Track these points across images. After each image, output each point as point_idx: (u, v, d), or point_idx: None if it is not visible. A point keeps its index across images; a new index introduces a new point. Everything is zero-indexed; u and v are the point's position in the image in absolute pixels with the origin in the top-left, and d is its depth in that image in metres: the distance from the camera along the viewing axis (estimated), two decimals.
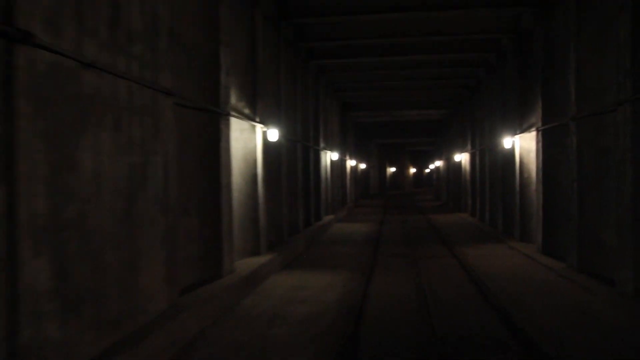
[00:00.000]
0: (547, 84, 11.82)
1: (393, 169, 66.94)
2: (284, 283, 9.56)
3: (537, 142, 12.30)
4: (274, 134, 11.37)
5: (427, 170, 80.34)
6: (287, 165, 13.98)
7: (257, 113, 10.95)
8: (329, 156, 21.92)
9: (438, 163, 38.82)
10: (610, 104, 8.12)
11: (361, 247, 14.38)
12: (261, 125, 10.93)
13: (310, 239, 15.33)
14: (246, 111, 10.54)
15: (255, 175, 10.76)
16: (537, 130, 12.24)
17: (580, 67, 9.69)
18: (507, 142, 14.79)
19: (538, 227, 12.17)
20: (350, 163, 32.42)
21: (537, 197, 12.31)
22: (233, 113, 9.25)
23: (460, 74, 21.02)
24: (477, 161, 20.88)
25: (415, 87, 23.54)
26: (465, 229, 18.67)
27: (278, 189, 12.92)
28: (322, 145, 19.80)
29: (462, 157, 25.26)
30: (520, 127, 14.26)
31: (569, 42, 9.97)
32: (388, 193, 57.62)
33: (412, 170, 73.49)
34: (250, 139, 10.68)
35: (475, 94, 21.52)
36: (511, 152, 15.21)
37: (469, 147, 23.11)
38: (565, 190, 10.67)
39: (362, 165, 42.48)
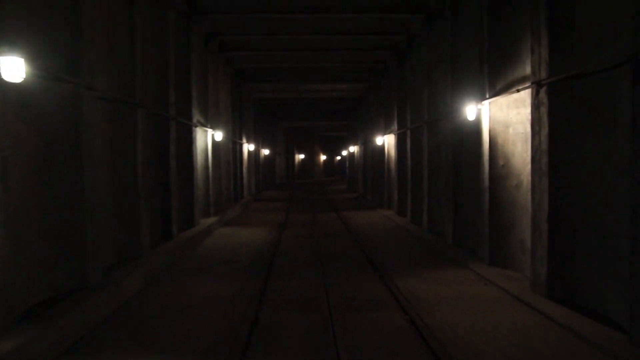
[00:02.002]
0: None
1: (302, 156, 61.69)
2: None
3: (536, 107, 7.16)
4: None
5: (339, 158, 76.17)
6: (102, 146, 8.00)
7: None
8: (211, 136, 15.94)
9: (353, 149, 33.82)
10: None
11: (240, 283, 8.65)
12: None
13: (162, 265, 9.39)
14: None
15: None
16: (537, 86, 7.09)
17: None
18: (470, 111, 9.64)
19: (539, 251, 7.07)
20: (249, 147, 26.51)
21: (536, 199, 7.20)
22: None
23: (386, 28, 15.79)
24: (409, 144, 15.81)
25: (328, 54, 18.10)
26: (398, 238, 13.48)
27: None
28: (195, 119, 13.78)
29: (386, 140, 20.22)
30: (492, 89, 9.16)
31: None
32: (296, 182, 52.27)
33: (323, 157, 68.79)
34: None
35: (406, 56, 16.39)
36: (473, 128, 10.11)
37: (395, 126, 18.04)
38: (602, 189, 5.59)
39: (267, 151, 36.66)
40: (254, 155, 29.70)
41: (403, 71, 16.92)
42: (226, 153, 19.67)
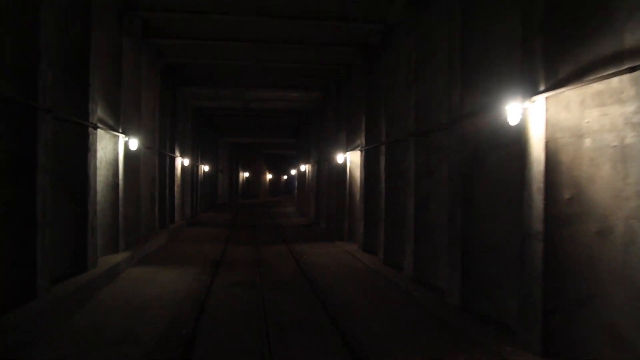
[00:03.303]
0: None
1: (247, 174, 57.60)
2: None
3: None
4: None
5: (286, 177, 72.57)
6: None
7: None
8: (123, 144, 11.92)
9: (304, 168, 30.21)
10: None
11: None
12: None
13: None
14: None
15: None
16: None
17: None
18: (510, 112, 6.20)
19: None
20: (183, 162, 22.44)
21: None
22: None
23: (357, 13, 12.43)
24: (383, 163, 12.36)
25: (279, 48, 14.55)
26: (373, 291, 9.86)
27: None
28: (95, 117, 9.77)
29: (349, 158, 16.75)
30: (550, 76, 5.81)
31: None
32: (240, 202, 48.11)
33: (269, 176, 64.97)
34: None
35: (380, 53, 13.03)
36: (502, 140, 6.73)
37: (362, 141, 14.61)
38: None
39: (207, 168, 32.54)
40: (190, 171, 25.60)
41: (375, 72, 13.55)
42: (150, 168, 15.61)
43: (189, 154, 24.26)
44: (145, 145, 14.43)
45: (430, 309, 8.12)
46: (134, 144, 12.05)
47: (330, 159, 20.09)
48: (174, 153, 20.07)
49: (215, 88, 20.87)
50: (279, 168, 67.61)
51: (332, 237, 17.99)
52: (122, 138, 11.76)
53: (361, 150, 14.67)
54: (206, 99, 23.68)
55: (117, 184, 11.56)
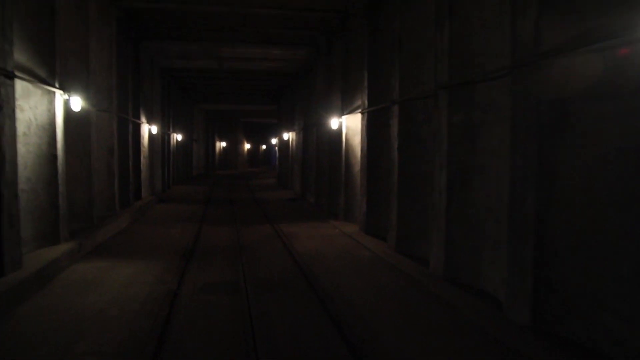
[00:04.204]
0: None
1: (224, 144, 54.66)
2: None
3: None
4: None
5: (264, 147, 69.86)
6: None
7: None
8: (62, 103, 9.16)
9: (287, 136, 27.50)
10: None
11: None
12: None
13: None
14: None
15: None
16: None
17: None
18: None
19: None
20: (151, 129, 19.66)
21: None
22: None
23: None
24: (396, 126, 9.85)
25: None
26: (404, 302, 7.46)
27: None
28: (10, 59, 7.01)
29: (344, 123, 14.21)
30: None
31: None
32: (217, 174, 45.39)
33: (247, 146, 62.21)
34: None
35: None
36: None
37: (363, 101, 12.10)
38: None
39: (180, 137, 29.70)
40: (160, 140, 22.82)
41: (382, 13, 10.95)
42: (106, 135, 12.90)
43: (158, 121, 21.45)
44: (98, 108, 11.69)
45: (485, 327, 5.78)
46: (76, 103, 9.33)
47: (320, 125, 17.53)
48: (139, 119, 17.28)
49: (184, 44, 17.96)
50: (258, 137, 64.80)
51: (325, 215, 15.57)
52: (59, 95, 9.02)
53: (362, 113, 12.15)
54: (176, 56, 20.73)
55: (55, 156, 8.88)
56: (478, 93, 7.02)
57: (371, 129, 11.82)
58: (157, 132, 21.04)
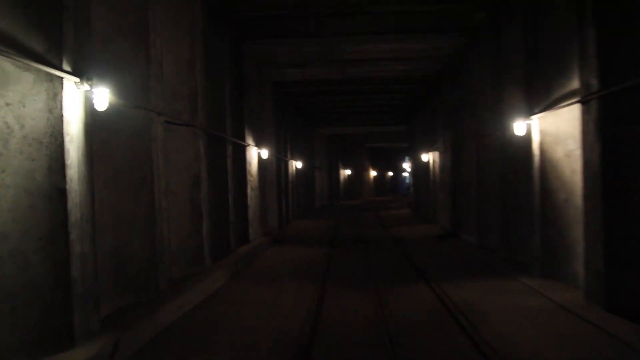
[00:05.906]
0: None
1: (348, 172, 50.75)
2: None
3: None
4: None
5: (391, 174, 65.15)
6: None
7: None
8: (81, 98, 5.27)
9: (426, 157, 22.49)
10: None
11: None
12: None
13: None
14: None
15: None
16: None
17: None
18: None
19: None
20: (260, 153, 15.93)
21: None
22: None
23: None
24: None
25: None
26: None
27: None
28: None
29: (535, 127, 9.13)
30: None
31: None
32: (342, 204, 41.37)
33: (373, 173, 57.94)
34: None
35: None
36: None
37: (594, 81, 7.00)
38: None
39: (299, 164, 26.06)
40: (276, 168, 19.16)
41: None
42: (186, 161, 9.11)
43: (272, 145, 17.78)
44: (168, 117, 7.88)
45: None
46: (101, 98, 5.36)
47: (482, 136, 12.56)
48: (243, 139, 13.55)
49: (297, 42, 14.05)
50: (384, 163, 60.35)
51: (501, 266, 10.41)
52: (72, 85, 5.15)
53: (584, 102, 7.04)
54: (287, 64, 16.97)
55: (63, 191, 4.95)
56: None
57: (608, 129, 6.68)
58: (270, 157, 17.33)
